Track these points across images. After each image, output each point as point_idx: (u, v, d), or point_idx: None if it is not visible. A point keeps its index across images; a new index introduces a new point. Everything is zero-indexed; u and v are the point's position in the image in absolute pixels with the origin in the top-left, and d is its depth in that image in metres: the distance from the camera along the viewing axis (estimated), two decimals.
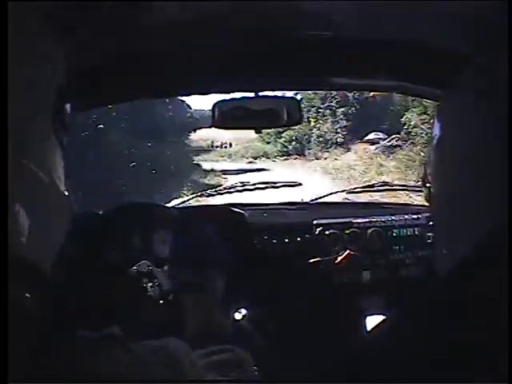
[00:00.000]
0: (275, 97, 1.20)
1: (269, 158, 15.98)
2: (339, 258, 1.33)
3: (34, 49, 0.36)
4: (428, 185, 0.45)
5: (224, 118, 1.16)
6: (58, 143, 0.42)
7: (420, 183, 0.48)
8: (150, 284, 1.11)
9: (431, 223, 1.36)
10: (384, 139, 11.07)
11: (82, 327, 0.35)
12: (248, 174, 9.88)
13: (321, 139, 13.59)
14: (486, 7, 0.48)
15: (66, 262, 0.43)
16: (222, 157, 17.09)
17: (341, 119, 13.10)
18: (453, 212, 0.41)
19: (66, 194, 0.44)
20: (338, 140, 12.91)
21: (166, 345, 0.42)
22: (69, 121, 0.43)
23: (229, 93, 1.23)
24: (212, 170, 12.01)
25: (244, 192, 1.74)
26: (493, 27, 0.41)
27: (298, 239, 1.38)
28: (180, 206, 1.56)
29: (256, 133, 1.23)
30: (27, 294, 0.34)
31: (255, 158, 16.27)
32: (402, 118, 10.25)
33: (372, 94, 9.91)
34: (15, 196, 0.35)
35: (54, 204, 0.41)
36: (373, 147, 11.23)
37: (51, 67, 0.39)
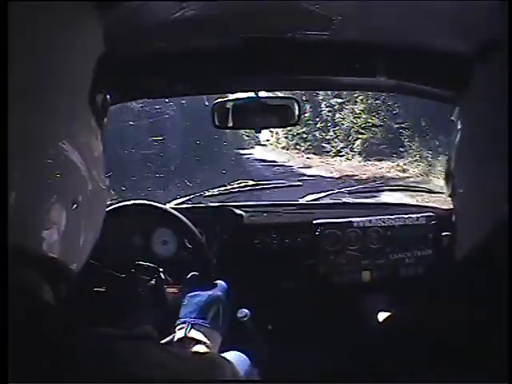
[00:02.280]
0: (275, 97, 1.20)
1: None
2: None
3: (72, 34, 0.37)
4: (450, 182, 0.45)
5: (224, 118, 1.16)
6: (99, 130, 0.41)
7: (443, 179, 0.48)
8: (152, 284, 1.11)
9: (433, 222, 1.36)
10: None
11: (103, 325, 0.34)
12: None
13: None
14: (486, 7, 0.48)
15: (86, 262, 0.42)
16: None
17: None
18: (467, 210, 0.41)
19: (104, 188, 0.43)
20: None
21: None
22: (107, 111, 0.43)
23: (229, 93, 1.23)
24: None
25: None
26: (493, 27, 0.41)
27: (298, 239, 1.38)
28: (180, 206, 1.56)
29: (256, 133, 1.23)
30: (48, 291, 0.34)
31: None
32: None
33: None
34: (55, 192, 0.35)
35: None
36: None
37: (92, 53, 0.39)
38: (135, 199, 1.21)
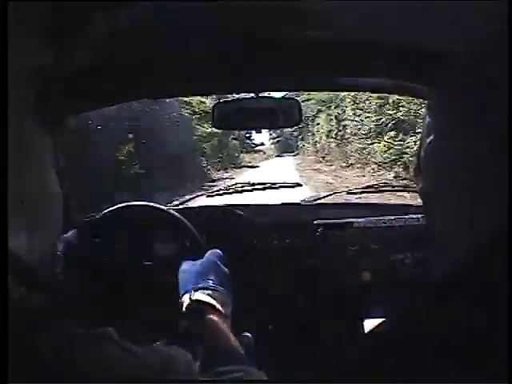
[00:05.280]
0: (275, 97, 1.20)
1: None
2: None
3: (22, 46, 0.36)
4: (420, 180, 0.45)
5: (224, 118, 1.16)
6: (52, 144, 0.42)
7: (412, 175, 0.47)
8: (151, 285, 1.11)
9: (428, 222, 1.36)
10: None
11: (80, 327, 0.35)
12: None
13: None
14: (485, 7, 0.48)
15: (68, 263, 0.43)
16: None
17: None
18: (451, 212, 0.41)
19: (60, 195, 0.43)
20: None
21: (167, 350, 0.42)
22: (64, 121, 0.43)
23: (229, 93, 1.23)
24: None
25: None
26: (493, 27, 0.41)
27: (299, 239, 1.38)
28: (180, 206, 1.57)
29: (256, 133, 1.24)
30: (25, 294, 0.34)
31: None
32: None
33: None
34: (12, 200, 0.35)
35: (50, 206, 0.41)
36: None
37: (40, 66, 0.39)
38: (136, 201, 1.21)
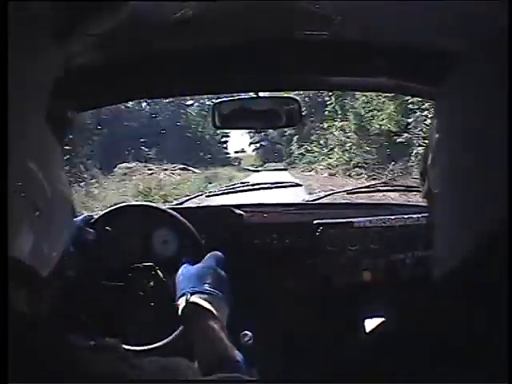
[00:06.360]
0: (275, 97, 1.20)
1: None
2: None
3: (30, 47, 0.36)
4: (426, 181, 0.45)
5: (224, 118, 1.16)
6: (58, 143, 0.42)
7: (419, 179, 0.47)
8: (151, 286, 1.11)
9: (430, 223, 1.36)
10: None
11: (80, 334, 0.35)
12: None
13: None
14: (485, 7, 0.48)
15: (67, 265, 0.43)
16: None
17: None
18: (451, 212, 0.41)
19: (71, 196, 0.44)
20: None
21: (177, 365, 0.42)
22: (69, 121, 0.44)
23: (229, 93, 1.23)
24: None
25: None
26: (493, 27, 0.41)
27: (299, 239, 1.38)
28: (179, 206, 1.57)
29: (256, 132, 1.24)
30: (25, 297, 0.34)
31: None
32: None
33: None
34: (16, 199, 0.35)
35: (56, 206, 0.41)
36: None
37: (47, 66, 0.39)
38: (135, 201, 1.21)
